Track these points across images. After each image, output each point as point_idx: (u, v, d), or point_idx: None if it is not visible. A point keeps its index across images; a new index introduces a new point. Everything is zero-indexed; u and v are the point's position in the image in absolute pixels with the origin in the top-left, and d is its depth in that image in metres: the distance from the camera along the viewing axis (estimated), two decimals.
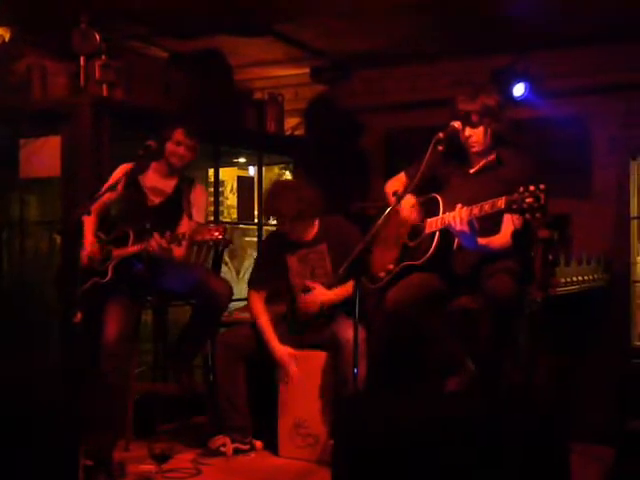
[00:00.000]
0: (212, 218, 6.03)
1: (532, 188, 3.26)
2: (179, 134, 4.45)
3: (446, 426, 2.79)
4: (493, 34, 5.89)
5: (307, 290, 4.36)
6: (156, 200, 4.54)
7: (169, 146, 4.46)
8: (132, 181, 4.51)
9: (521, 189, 3.30)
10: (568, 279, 5.02)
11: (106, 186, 4.38)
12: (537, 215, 3.25)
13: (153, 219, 4.36)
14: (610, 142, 6.25)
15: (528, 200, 3.26)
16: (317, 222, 4.46)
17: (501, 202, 3.46)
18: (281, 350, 4.38)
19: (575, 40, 5.93)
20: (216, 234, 3.97)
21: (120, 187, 4.45)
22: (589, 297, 5.26)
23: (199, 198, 4.57)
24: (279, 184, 4.92)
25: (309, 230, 4.44)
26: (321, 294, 4.34)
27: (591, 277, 5.47)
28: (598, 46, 5.97)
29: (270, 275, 4.53)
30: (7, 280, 5.73)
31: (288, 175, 7.35)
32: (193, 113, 5.52)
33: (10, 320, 5.50)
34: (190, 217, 4.38)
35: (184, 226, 4.30)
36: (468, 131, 3.90)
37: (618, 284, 5.93)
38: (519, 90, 6.12)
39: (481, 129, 3.90)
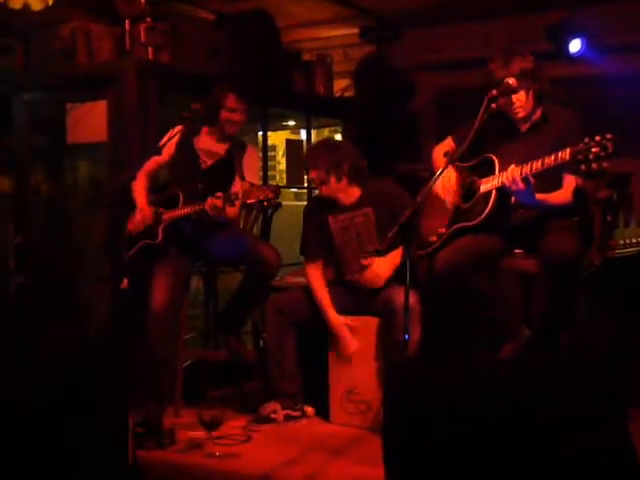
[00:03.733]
0: (261, 182, 5.96)
1: (598, 138, 3.17)
2: (231, 100, 4.38)
3: (501, 395, 2.69)
4: None
5: (363, 268, 4.24)
6: (208, 162, 4.51)
7: (223, 114, 4.41)
8: (185, 143, 4.47)
9: (586, 139, 3.22)
10: (627, 241, 4.85)
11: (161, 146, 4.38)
12: (604, 165, 3.14)
13: (205, 181, 4.34)
14: None
15: (594, 150, 3.17)
16: (361, 185, 4.33)
17: (565, 153, 3.36)
18: (337, 320, 4.28)
19: None
20: (269, 194, 3.90)
21: (172, 148, 4.44)
22: None
23: (251, 160, 4.53)
24: (319, 141, 4.80)
25: (352, 193, 4.32)
26: (382, 269, 4.19)
27: None
28: None
29: (319, 242, 4.43)
30: (58, 247, 5.74)
31: (338, 137, 7.24)
32: (241, 76, 5.45)
33: (61, 287, 5.53)
34: (242, 179, 4.31)
35: (237, 187, 4.24)
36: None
37: None
38: (575, 46, 5.95)
39: (522, 93, 3.76)
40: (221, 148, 4.51)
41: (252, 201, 3.94)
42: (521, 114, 3.82)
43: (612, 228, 4.34)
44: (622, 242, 4.70)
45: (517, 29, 6.21)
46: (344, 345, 4.25)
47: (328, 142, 4.84)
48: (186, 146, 4.49)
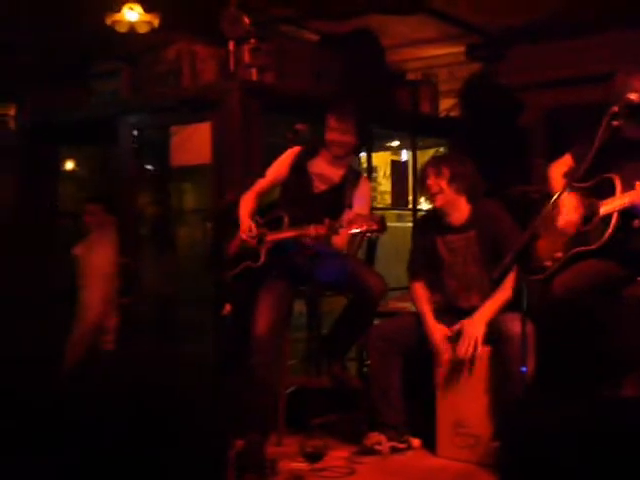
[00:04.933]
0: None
1: None
2: (331, 120, 4.30)
3: (625, 438, 2.51)
4: None
5: (458, 335, 4.08)
6: (322, 187, 4.42)
7: (327, 135, 4.33)
8: (299, 165, 4.41)
9: None
10: None
11: (271, 172, 4.35)
12: None
13: (316, 206, 4.24)
14: None
15: None
16: (470, 206, 4.19)
17: None
18: (437, 329, 4.14)
19: None
20: (374, 226, 3.79)
21: (285, 170, 4.39)
22: None
23: (364, 191, 4.42)
24: (444, 153, 4.67)
25: (463, 211, 4.19)
26: (474, 332, 4.01)
27: None
28: None
29: (426, 260, 4.32)
30: (165, 270, 5.76)
31: None
32: (344, 96, 5.37)
33: (165, 313, 5.54)
34: (351, 208, 4.20)
35: (345, 216, 4.13)
36: None
37: None
38: None
39: None
40: (336, 174, 4.42)
41: (356, 230, 3.83)
42: None
43: None
44: None
45: (624, 44, 5.97)
46: (439, 353, 4.11)
47: (453, 155, 4.82)
48: (300, 169, 4.42)
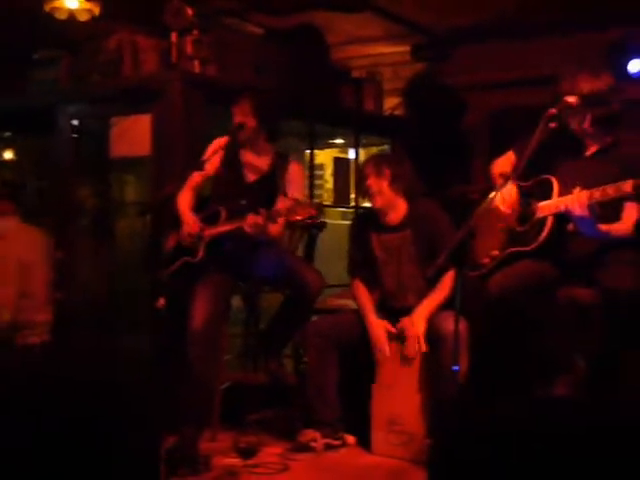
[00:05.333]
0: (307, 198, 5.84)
1: None
2: (233, 107, 4.30)
3: (556, 438, 2.53)
4: (606, 5, 5.51)
5: (402, 333, 4.08)
6: (252, 177, 4.39)
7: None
8: (230, 157, 4.38)
9: None
10: None
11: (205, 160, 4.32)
12: None
13: (249, 197, 4.21)
14: None
15: None
16: (407, 206, 4.21)
17: (628, 186, 3.17)
18: (378, 325, 4.14)
19: None
20: (312, 212, 3.80)
21: (217, 162, 4.35)
22: None
23: (295, 174, 4.40)
24: (383, 153, 4.67)
25: (400, 210, 4.21)
26: (416, 331, 4.01)
27: None
28: None
29: (364, 257, 4.33)
30: (103, 264, 5.67)
31: None
32: (288, 91, 5.35)
33: (104, 306, 5.45)
34: (285, 195, 4.18)
35: (280, 204, 4.13)
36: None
37: None
38: (635, 66, 5.75)
39: (591, 112, 3.55)
40: (264, 163, 4.39)
41: (295, 219, 3.82)
42: (590, 131, 3.62)
43: None
44: None
45: (572, 47, 6.04)
46: (379, 349, 4.11)
47: (393, 155, 4.78)
48: (232, 160, 4.39)
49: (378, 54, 6.78)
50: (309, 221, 3.82)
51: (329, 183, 7.42)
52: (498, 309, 3.66)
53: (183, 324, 4.09)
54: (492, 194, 3.32)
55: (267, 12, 5.65)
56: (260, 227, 3.98)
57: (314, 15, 5.75)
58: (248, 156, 4.41)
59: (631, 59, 5.75)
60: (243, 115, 4.26)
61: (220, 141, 4.40)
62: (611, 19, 5.73)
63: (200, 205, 4.44)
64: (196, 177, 4.40)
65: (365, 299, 4.27)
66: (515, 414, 2.68)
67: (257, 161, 4.40)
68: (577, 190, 3.38)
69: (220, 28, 5.35)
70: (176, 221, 4.38)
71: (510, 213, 3.77)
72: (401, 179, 4.16)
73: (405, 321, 4.06)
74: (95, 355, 3.59)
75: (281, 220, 3.96)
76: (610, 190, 3.26)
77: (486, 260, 3.79)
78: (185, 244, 4.30)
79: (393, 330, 4.11)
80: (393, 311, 4.20)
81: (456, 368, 3.27)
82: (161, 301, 3.71)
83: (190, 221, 4.31)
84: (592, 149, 3.68)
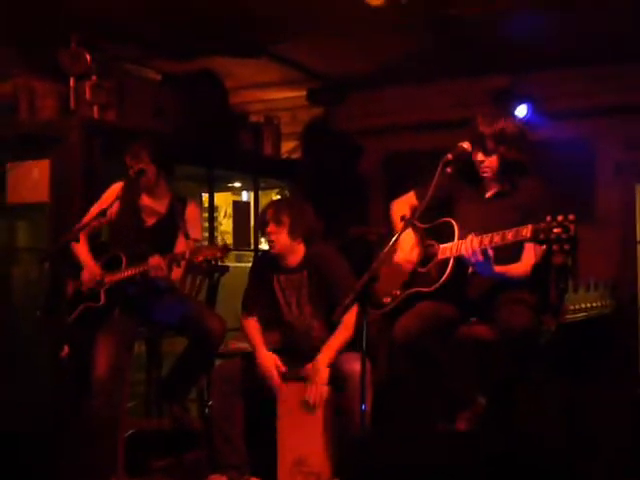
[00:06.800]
0: (206, 243, 5.84)
1: (560, 218, 3.08)
2: (126, 157, 4.31)
3: (458, 470, 2.62)
4: (492, 54, 5.78)
5: (300, 378, 4.10)
6: (150, 221, 4.40)
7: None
8: (127, 201, 4.36)
9: (548, 219, 3.12)
10: (577, 306, 4.85)
11: (97, 208, 4.28)
12: (565, 247, 3.06)
13: (149, 241, 4.22)
14: (615, 166, 6.12)
15: (556, 230, 3.08)
16: (304, 249, 4.27)
17: (527, 231, 3.27)
18: (266, 358, 4.16)
19: (579, 60, 5.81)
20: (217, 253, 3.82)
21: (115, 208, 4.33)
22: (596, 324, 5.10)
23: (193, 215, 4.42)
24: (283, 198, 4.72)
25: (298, 253, 4.26)
26: (319, 379, 4.00)
27: (598, 304, 5.33)
28: (604, 66, 5.84)
29: (260, 297, 4.35)
30: None
31: None
32: (185, 135, 5.37)
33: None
34: (186, 236, 4.19)
35: (181, 246, 4.15)
36: (480, 156, 3.72)
37: (625, 311, 5.78)
38: (522, 111, 6.01)
39: (495, 156, 3.71)
40: (161, 205, 4.41)
41: (199, 259, 3.84)
42: (488, 175, 3.76)
43: (564, 294, 4.32)
44: (572, 307, 4.69)
45: (462, 92, 6.27)
46: (270, 381, 4.11)
47: (293, 201, 4.83)
48: (129, 205, 4.37)
49: (276, 99, 6.87)
50: (214, 262, 3.84)
51: (223, 225, 7.44)
52: (404, 352, 3.74)
53: (86, 373, 4.04)
54: (395, 236, 3.40)
55: (165, 57, 5.67)
56: (162, 270, 3.98)
57: (212, 61, 5.80)
58: (146, 200, 4.41)
59: (518, 104, 5.99)
60: (140, 162, 4.27)
61: (116, 187, 4.39)
62: (495, 67, 5.98)
63: (99, 250, 4.41)
64: (85, 221, 4.34)
65: (255, 333, 4.27)
66: (417, 449, 2.76)
67: (155, 204, 4.42)
68: (470, 236, 3.50)
69: (119, 73, 5.33)
70: (75, 268, 4.34)
71: (408, 259, 3.87)
72: (300, 226, 4.19)
73: (308, 368, 4.07)
74: None
75: (183, 263, 3.97)
76: (509, 235, 3.37)
77: (387, 299, 3.88)
78: (85, 290, 4.25)
79: (282, 368, 4.13)
80: (296, 352, 4.23)
81: (364, 407, 3.33)
82: (65, 349, 3.65)
83: (91, 267, 4.28)
84: (491, 192, 3.83)
